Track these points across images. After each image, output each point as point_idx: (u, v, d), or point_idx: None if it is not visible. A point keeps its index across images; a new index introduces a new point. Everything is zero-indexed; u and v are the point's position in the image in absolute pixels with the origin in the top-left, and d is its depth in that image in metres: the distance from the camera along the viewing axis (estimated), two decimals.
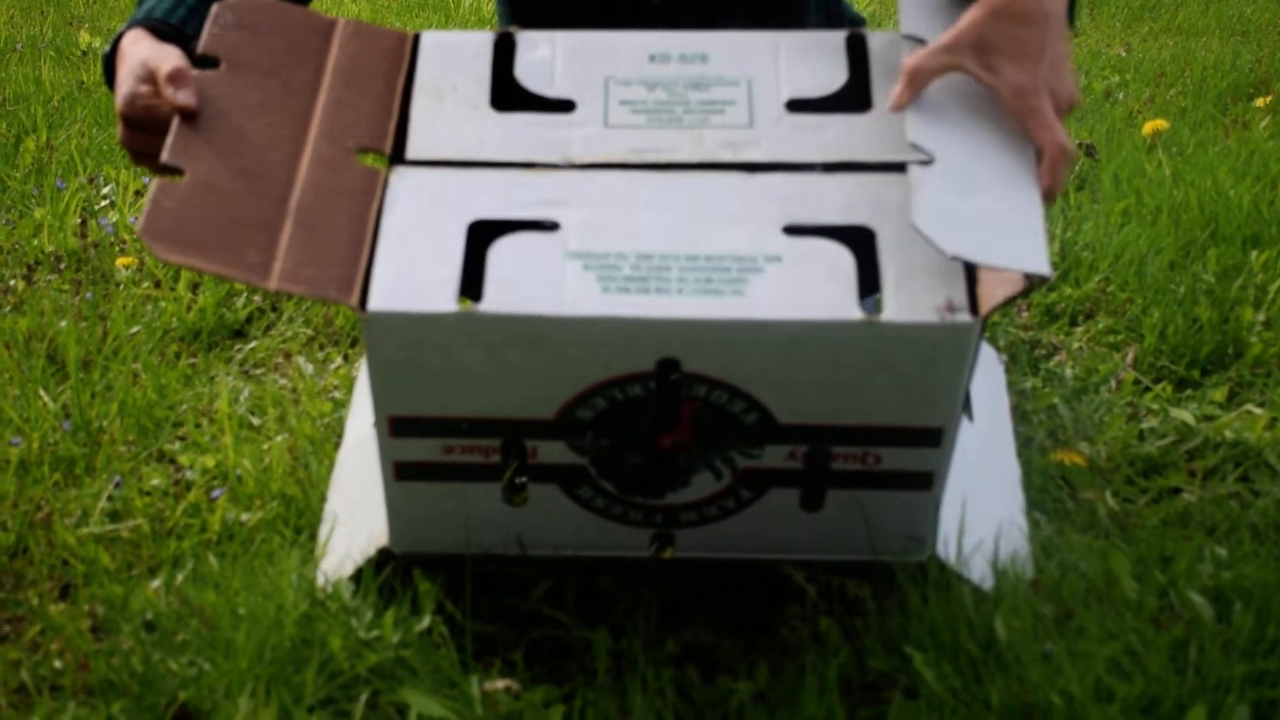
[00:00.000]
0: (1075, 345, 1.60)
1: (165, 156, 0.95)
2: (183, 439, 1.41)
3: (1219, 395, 1.45)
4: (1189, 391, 1.48)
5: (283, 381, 1.54)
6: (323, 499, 1.24)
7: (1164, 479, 1.30)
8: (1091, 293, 1.70)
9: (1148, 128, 2.33)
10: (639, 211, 0.99)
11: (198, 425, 1.43)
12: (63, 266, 1.89)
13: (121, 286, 1.80)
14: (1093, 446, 1.35)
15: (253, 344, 1.65)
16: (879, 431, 1.01)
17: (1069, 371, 1.52)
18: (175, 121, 0.98)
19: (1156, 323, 1.57)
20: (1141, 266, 1.74)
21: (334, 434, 1.38)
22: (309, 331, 1.67)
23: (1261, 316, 1.58)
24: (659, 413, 1.00)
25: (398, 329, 0.95)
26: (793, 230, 0.98)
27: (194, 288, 1.77)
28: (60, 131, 2.55)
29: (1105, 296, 1.69)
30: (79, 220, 2.01)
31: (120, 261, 1.86)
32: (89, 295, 1.76)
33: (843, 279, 0.95)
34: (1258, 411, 1.41)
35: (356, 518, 1.16)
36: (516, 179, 1.01)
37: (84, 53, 3.29)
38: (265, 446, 1.36)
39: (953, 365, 0.96)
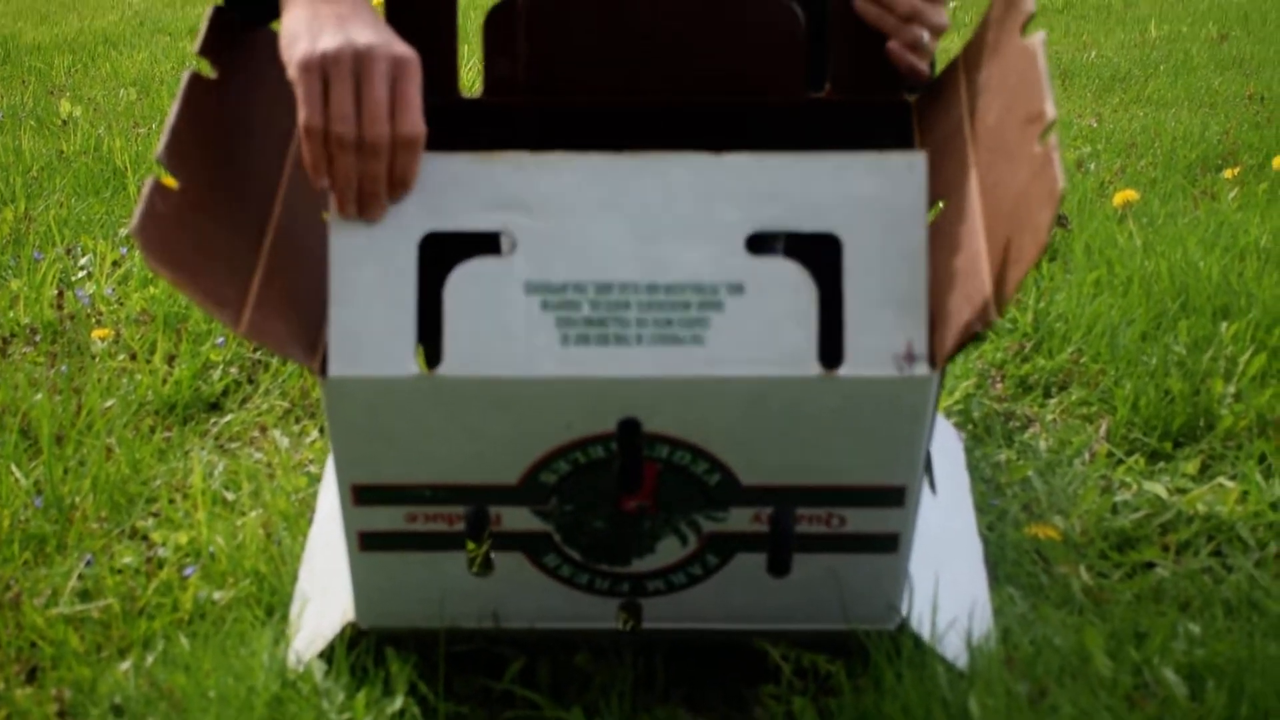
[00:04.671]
0: (1049, 417, 1.61)
1: (160, 154, 0.95)
2: (156, 515, 1.41)
3: (1191, 468, 1.46)
4: (1161, 464, 1.49)
5: (258, 456, 1.54)
6: (295, 576, 1.23)
7: (1138, 553, 1.31)
8: (1065, 364, 1.71)
9: (1118, 198, 2.35)
10: (596, 216, 0.95)
11: (171, 501, 1.43)
12: (38, 339, 1.89)
13: (97, 359, 1.80)
14: (1067, 520, 1.36)
15: (228, 417, 1.64)
16: (842, 492, 1.01)
17: (1043, 444, 1.53)
18: (171, 120, 0.97)
19: (1129, 395, 1.58)
20: (1113, 338, 1.75)
21: (309, 509, 1.38)
22: (285, 404, 1.67)
23: (1232, 389, 1.60)
24: (622, 475, 1.00)
25: (358, 393, 0.95)
26: (758, 242, 0.95)
27: (169, 360, 1.77)
28: (39, 202, 2.55)
29: (1078, 368, 1.71)
30: (55, 292, 2.01)
31: (96, 334, 1.86)
32: (64, 368, 1.75)
33: (803, 319, 0.94)
34: (1230, 485, 1.42)
35: (328, 594, 1.16)
36: (471, 169, 0.96)
37: (64, 122, 3.30)
38: (239, 522, 1.35)
39: (913, 418, 0.96)
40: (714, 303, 0.94)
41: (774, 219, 0.95)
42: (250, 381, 1.75)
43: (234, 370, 1.76)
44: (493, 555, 1.06)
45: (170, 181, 0.94)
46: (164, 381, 1.71)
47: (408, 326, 0.95)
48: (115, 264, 2.18)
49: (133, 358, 1.80)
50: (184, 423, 1.64)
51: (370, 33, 0.94)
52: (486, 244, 1.03)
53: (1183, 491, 1.42)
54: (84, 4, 5.74)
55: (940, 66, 1.18)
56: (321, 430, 1.60)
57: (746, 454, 0.99)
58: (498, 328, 0.95)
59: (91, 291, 2.04)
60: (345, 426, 0.98)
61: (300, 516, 1.35)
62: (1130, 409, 1.57)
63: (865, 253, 0.95)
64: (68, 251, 2.26)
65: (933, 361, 0.94)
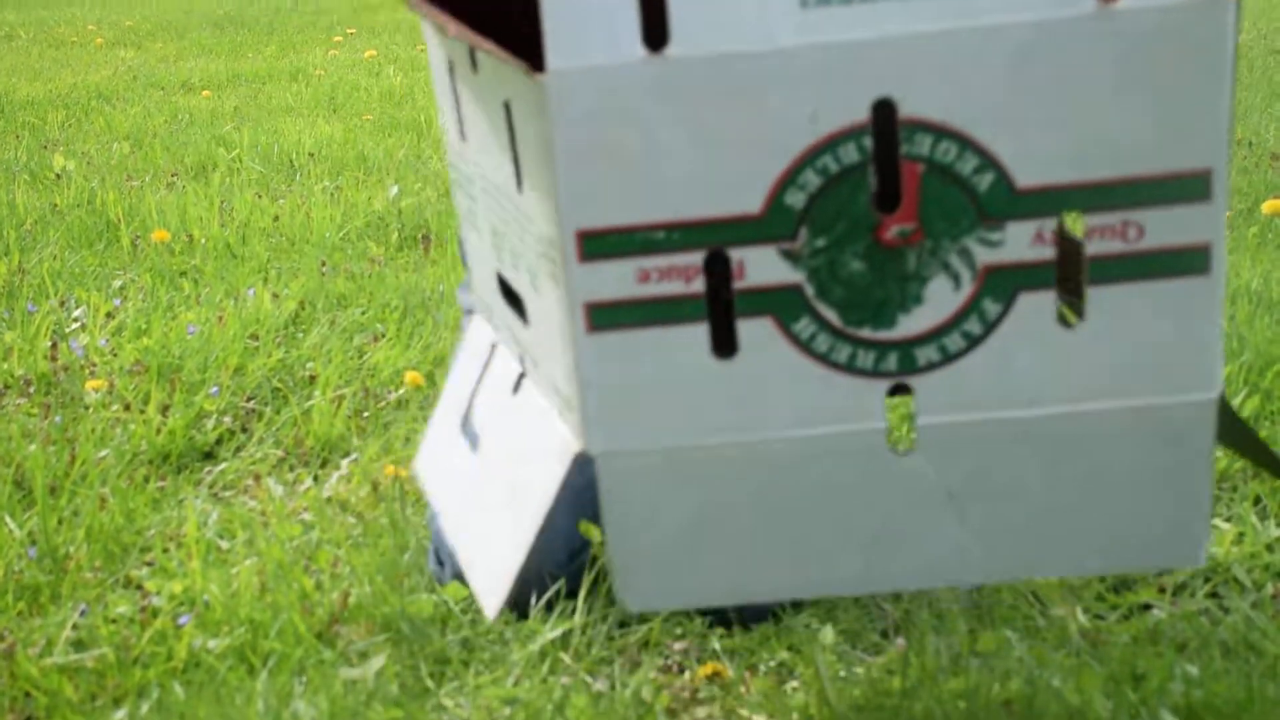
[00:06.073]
0: None
1: None
2: (150, 564, 1.40)
3: None
4: None
5: (252, 504, 1.54)
6: (307, 624, 1.23)
7: (1134, 595, 1.31)
8: None
9: None
10: None
11: (165, 550, 1.42)
12: (32, 390, 1.89)
13: (90, 410, 1.80)
14: None
15: (222, 466, 1.64)
16: (1134, 185, 0.90)
17: None
18: None
19: None
20: None
21: (303, 556, 1.37)
22: (279, 453, 1.67)
23: None
24: (880, 181, 0.91)
25: (581, 93, 0.86)
26: None
27: (163, 410, 1.77)
28: (32, 255, 2.56)
29: None
30: (49, 344, 2.01)
31: (90, 385, 1.86)
32: (58, 419, 1.75)
33: None
34: (1225, 526, 1.42)
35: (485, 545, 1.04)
36: None
37: (58, 176, 3.31)
38: (233, 571, 1.35)
39: (1211, 66, 0.87)
40: None
41: None
42: (244, 430, 1.75)
43: (228, 419, 1.76)
44: (737, 324, 0.94)
45: None
46: (158, 431, 1.71)
47: (629, 4, 0.85)
48: (109, 315, 2.19)
49: (126, 408, 1.80)
50: (178, 472, 1.63)
51: None
52: None
53: None
54: (77, 60, 5.78)
55: None
56: (315, 478, 1.60)
57: (1018, 138, 0.88)
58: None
59: (85, 343, 2.04)
60: (569, 143, 0.88)
61: (295, 565, 1.35)
62: None
63: None
64: (61, 304, 2.26)
65: None
